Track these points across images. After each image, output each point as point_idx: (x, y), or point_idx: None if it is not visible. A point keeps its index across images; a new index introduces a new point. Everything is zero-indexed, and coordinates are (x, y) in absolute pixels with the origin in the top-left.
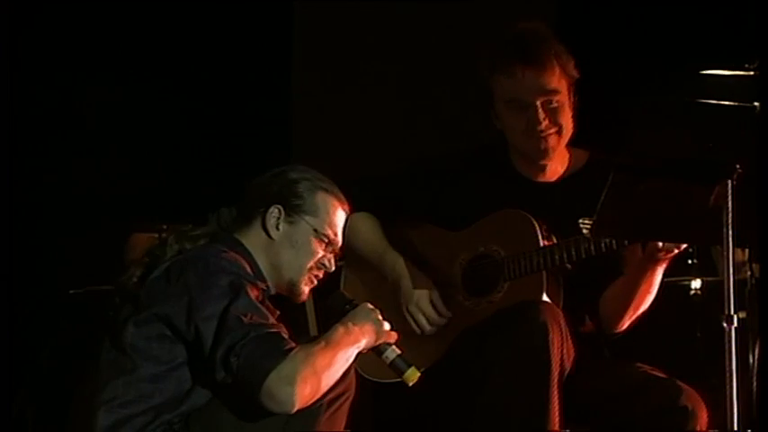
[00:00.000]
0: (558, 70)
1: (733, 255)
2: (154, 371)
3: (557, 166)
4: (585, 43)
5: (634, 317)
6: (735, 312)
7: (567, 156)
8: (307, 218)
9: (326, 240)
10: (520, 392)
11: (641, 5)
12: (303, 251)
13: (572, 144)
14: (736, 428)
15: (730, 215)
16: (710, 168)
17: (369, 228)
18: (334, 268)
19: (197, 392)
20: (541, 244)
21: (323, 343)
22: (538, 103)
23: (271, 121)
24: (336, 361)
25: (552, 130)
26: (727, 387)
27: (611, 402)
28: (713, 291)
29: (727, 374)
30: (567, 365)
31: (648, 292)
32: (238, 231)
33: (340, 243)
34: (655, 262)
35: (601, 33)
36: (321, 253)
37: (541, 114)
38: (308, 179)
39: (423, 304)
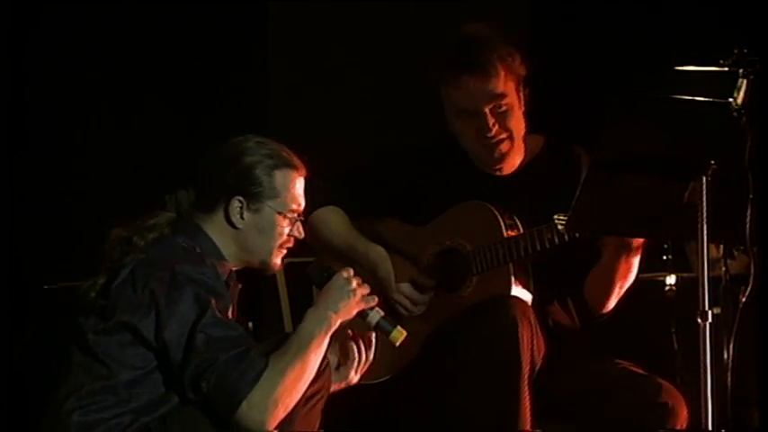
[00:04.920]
0: (503, 74)
1: (707, 251)
2: (129, 376)
3: (514, 159)
4: (560, 39)
5: (619, 296)
6: (709, 308)
7: (523, 146)
8: (269, 202)
9: (292, 215)
10: (491, 390)
11: (616, 1)
12: (271, 234)
13: (527, 132)
14: (710, 424)
15: (705, 211)
16: (685, 164)
17: (338, 219)
18: (303, 235)
19: (174, 395)
20: (505, 234)
21: (293, 349)
22: (486, 110)
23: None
24: (309, 362)
25: (503, 135)
26: (702, 383)
27: (590, 399)
28: (688, 287)
29: (702, 370)
30: (538, 361)
31: (629, 270)
32: (199, 218)
33: (303, 208)
34: (629, 249)
35: (575, 29)
36: (288, 227)
37: (491, 121)
38: (262, 160)
39: (404, 287)
